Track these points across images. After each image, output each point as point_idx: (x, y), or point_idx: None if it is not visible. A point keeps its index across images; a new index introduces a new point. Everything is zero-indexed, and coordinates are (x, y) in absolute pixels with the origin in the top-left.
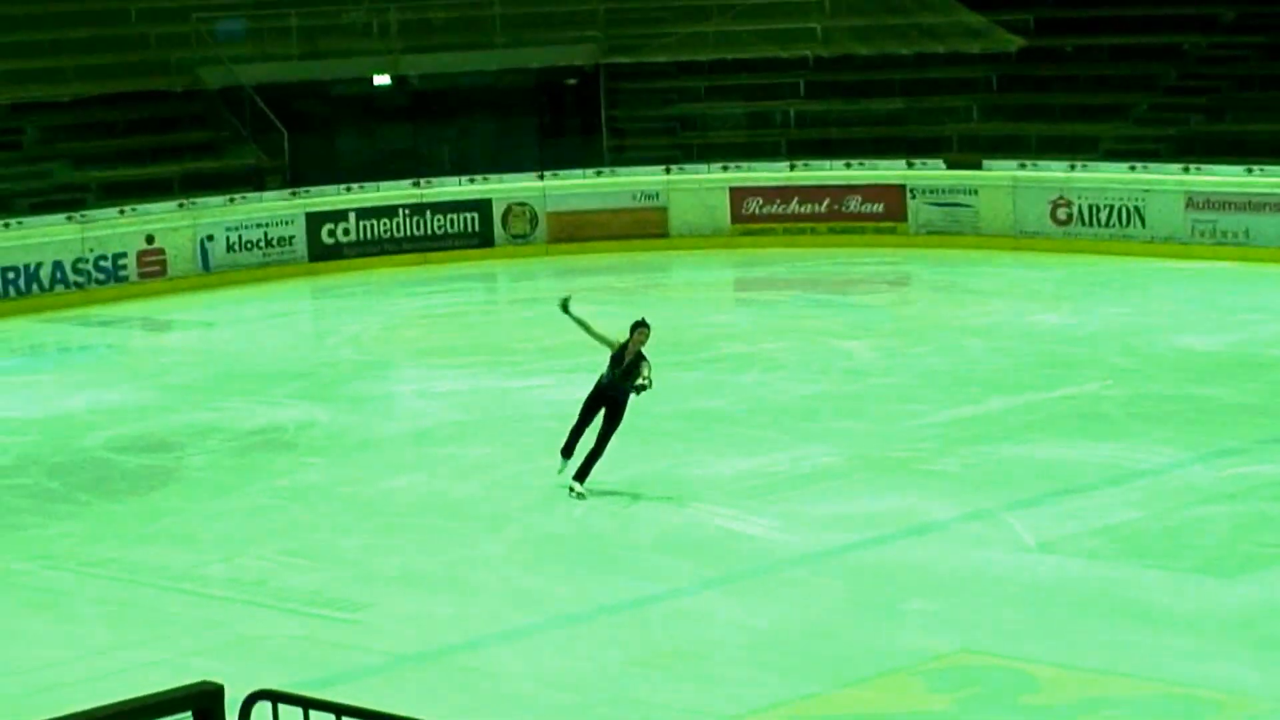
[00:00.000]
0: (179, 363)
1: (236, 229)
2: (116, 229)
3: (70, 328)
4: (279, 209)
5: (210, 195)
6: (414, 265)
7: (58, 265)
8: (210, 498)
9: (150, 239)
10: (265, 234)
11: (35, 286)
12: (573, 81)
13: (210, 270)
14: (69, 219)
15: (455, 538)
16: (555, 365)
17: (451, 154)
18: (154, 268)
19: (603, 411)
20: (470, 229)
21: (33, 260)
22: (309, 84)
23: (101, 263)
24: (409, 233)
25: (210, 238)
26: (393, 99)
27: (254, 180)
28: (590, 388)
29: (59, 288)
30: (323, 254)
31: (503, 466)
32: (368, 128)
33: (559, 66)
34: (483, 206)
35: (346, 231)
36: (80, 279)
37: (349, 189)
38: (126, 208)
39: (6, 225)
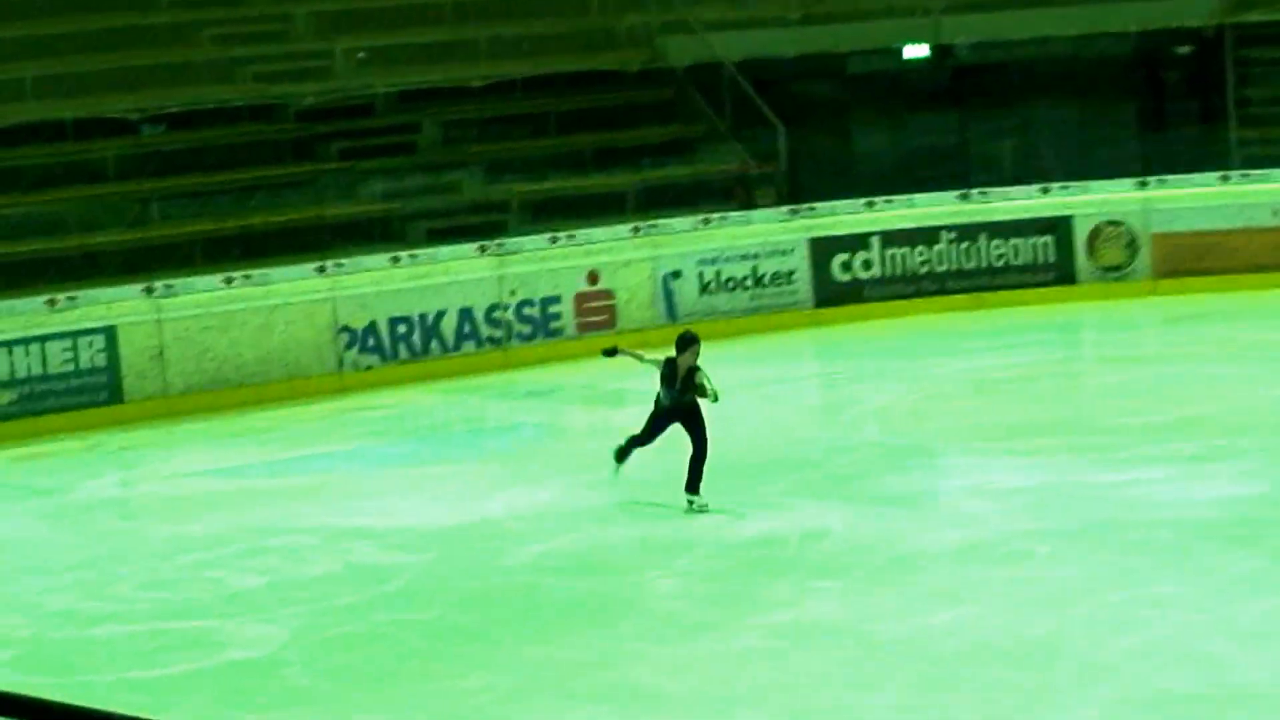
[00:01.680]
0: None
1: (713, 262)
2: (547, 263)
3: (485, 401)
4: (773, 234)
5: (676, 215)
6: (963, 310)
7: (465, 314)
8: (679, 639)
9: (594, 277)
10: (754, 269)
11: (435, 344)
12: (1185, 50)
13: (677, 319)
14: (481, 250)
15: (1027, 697)
16: (1171, 450)
17: (1014, 154)
18: (599, 316)
19: (680, 427)
20: (1042, 259)
21: (431, 308)
22: (813, 59)
23: (527, 310)
24: (955, 265)
25: (676, 274)
26: (930, 78)
27: (738, 194)
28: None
29: (468, 345)
30: (834, 295)
31: (1096, 594)
32: (895, 118)
33: (1166, 30)
34: (1060, 227)
35: (867, 264)
36: (497, 333)
37: (870, 204)
38: (560, 234)
39: (396, 260)
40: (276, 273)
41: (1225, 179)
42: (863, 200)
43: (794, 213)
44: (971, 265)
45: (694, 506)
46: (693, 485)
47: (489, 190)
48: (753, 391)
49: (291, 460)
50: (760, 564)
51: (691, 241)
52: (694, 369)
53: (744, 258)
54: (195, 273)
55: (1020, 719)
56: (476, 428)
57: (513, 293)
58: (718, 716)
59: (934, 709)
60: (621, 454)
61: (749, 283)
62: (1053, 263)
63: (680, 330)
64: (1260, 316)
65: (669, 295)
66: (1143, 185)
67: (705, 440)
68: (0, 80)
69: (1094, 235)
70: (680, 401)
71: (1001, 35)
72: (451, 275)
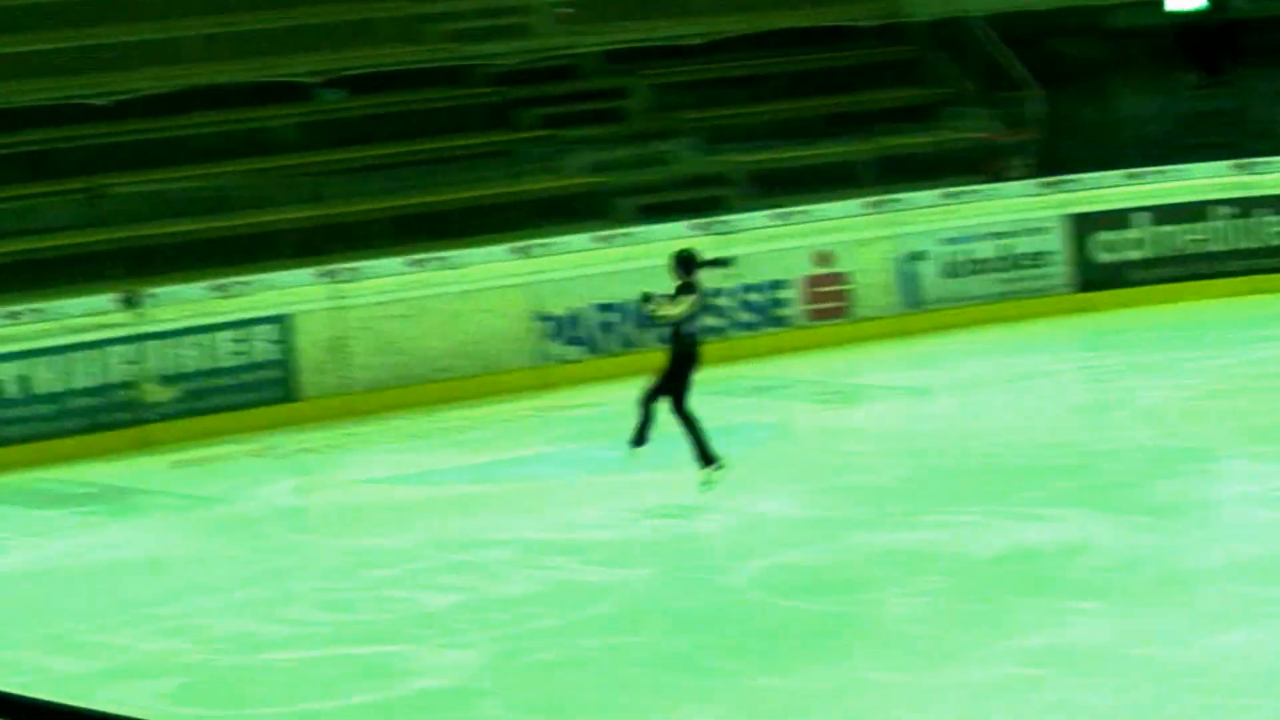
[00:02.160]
0: (871, 453)
1: (960, 242)
2: (772, 244)
3: (702, 399)
4: (1026, 210)
5: (917, 189)
6: (1241, 295)
7: None
8: (920, 667)
9: (825, 258)
10: (1005, 249)
11: (647, 334)
12: None
13: (919, 306)
14: (697, 228)
15: None
16: None
17: None
18: (830, 303)
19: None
20: None
21: (636, 293)
22: (1070, 13)
23: (751, 296)
24: (1231, 244)
25: (917, 255)
26: (1203, 33)
27: (987, 165)
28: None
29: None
30: (1097, 279)
31: None
32: (1163, 79)
33: None
34: None
35: (1137, 243)
36: (719, 321)
37: (1136, 176)
38: (787, 210)
39: (602, 240)
40: (469, 254)
41: None
42: (1127, 172)
43: (1050, 186)
44: (1250, 244)
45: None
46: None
47: (706, 162)
48: (1005, 387)
49: (486, 465)
50: (1013, 581)
51: (934, 218)
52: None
53: (994, 236)
54: (379, 254)
55: None
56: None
57: (736, 277)
58: None
59: None
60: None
61: (999, 265)
62: None
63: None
64: None
65: (909, 279)
66: None
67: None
68: (163, 42)
69: None
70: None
71: None
72: (664, 257)
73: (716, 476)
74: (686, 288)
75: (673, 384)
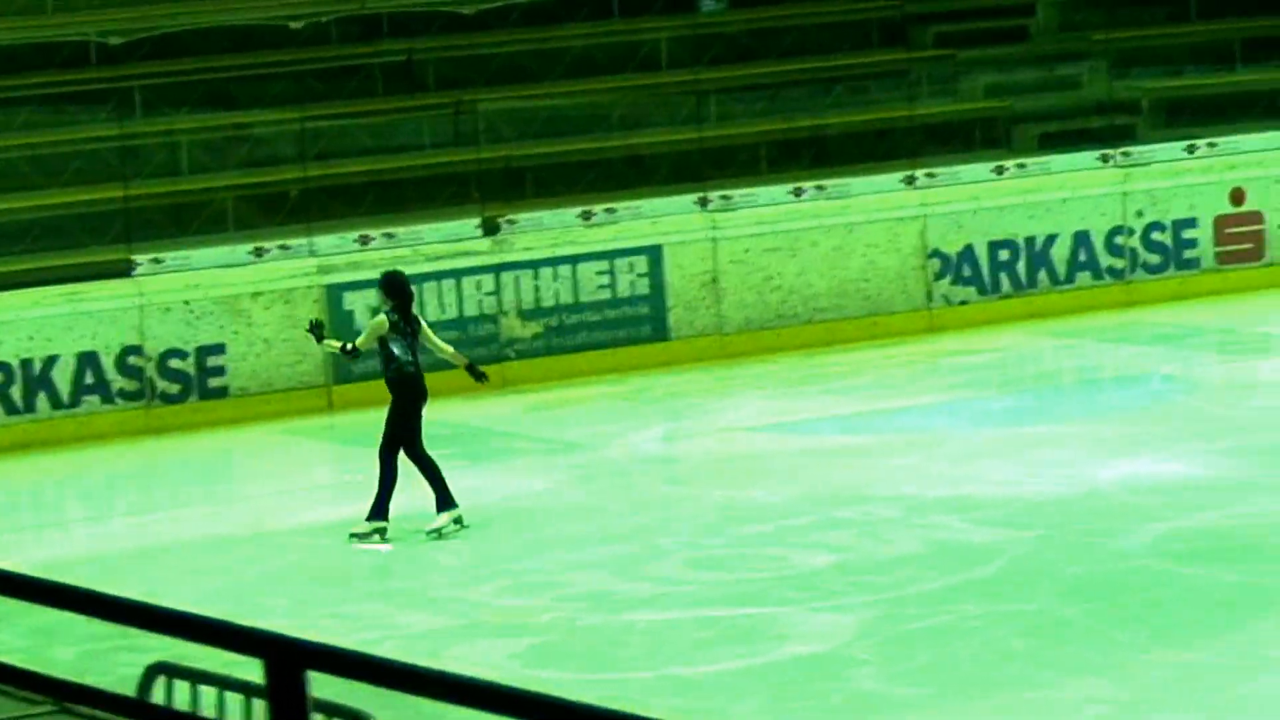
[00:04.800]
0: (1275, 409)
1: None
2: (1182, 178)
3: (1102, 346)
4: None
5: None
6: None
7: (1082, 239)
8: None
9: (1238, 196)
10: None
11: (1044, 275)
12: None
13: None
14: (1103, 160)
15: None
16: None
17: None
18: (1244, 244)
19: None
20: None
21: (1041, 230)
22: None
23: (1156, 235)
24: None
25: None
26: None
27: None
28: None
29: (1083, 277)
30: None
31: None
32: None
33: None
34: None
35: None
36: (1120, 263)
37: None
38: (1200, 142)
39: (1000, 171)
40: (856, 184)
41: None
42: None
43: None
44: None
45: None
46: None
47: (1115, 87)
48: None
49: (869, 415)
50: None
51: None
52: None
53: None
54: (759, 182)
55: None
56: (1091, 379)
57: (1140, 214)
58: None
59: None
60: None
61: None
62: None
63: None
64: None
65: None
66: None
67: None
68: None
69: None
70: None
71: None
72: (1066, 190)
73: (452, 528)
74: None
75: (401, 428)
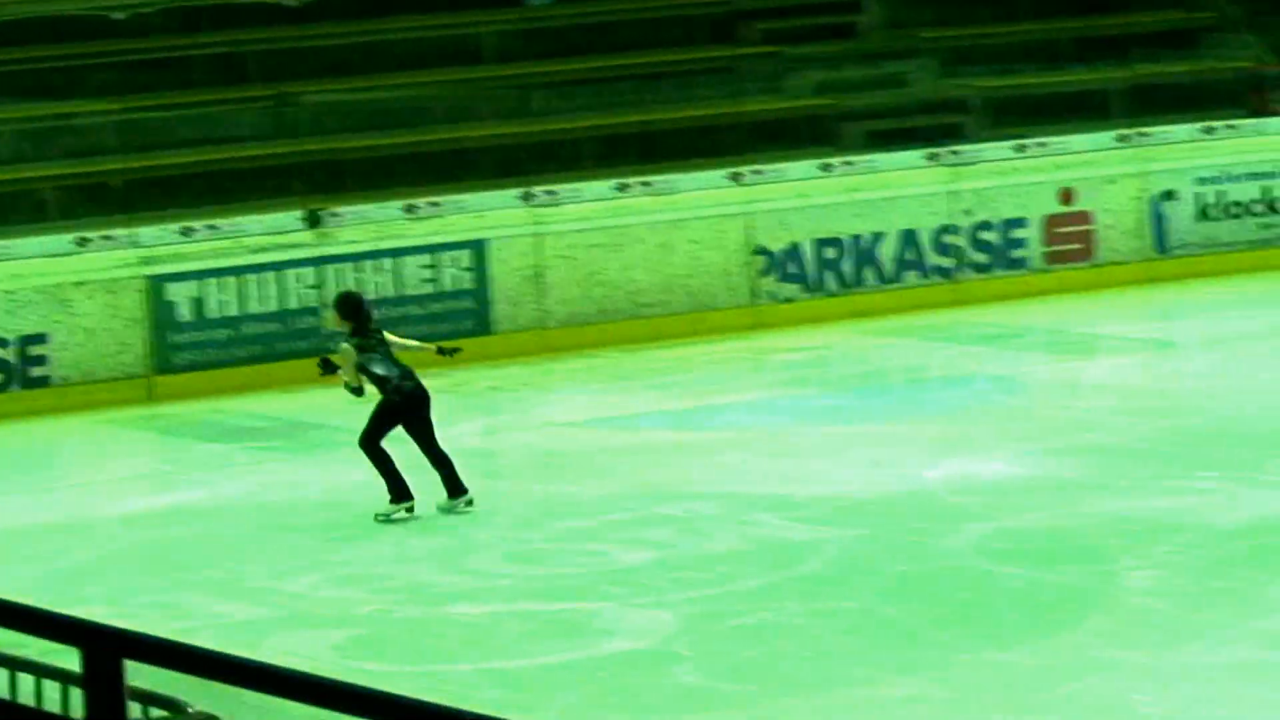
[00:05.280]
0: (1109, 410)
1: (1215, 182)
2: (1011, 177)
3: (928, 346)
4: None
5: (1172, 121)
6: None
7: (909, 238)
8: (1157, 646)
9: (1067, 196)
10: (1266, 191)
11: (870, 273)
12: None
13: (1167, 251)
14: (931, 158)
15: None
16: None
17: None
18: (1073, 245)
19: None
20: None
21: (867, 228)
22: None
23: (984, 234)
24: None
25: (1169, 195)
26: None
27: (1251, 98)
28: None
29: (910, 276)
30: None
31: None
32: None
33: None
34: None
35: None
36: (947, 262)
37: None
38: (1029, 142)
39: (826, 168)
40: (682, 180)
41: None
42: None
43: None
44: None
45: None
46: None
47: (943, 85)
48: (1259, 343)
49: (692, 411)
50: (1261, 557)
51: (1190, 155)
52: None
53: (1254, 177)
54: (584, 177)
55: None
56: (917, 378)
57: (968, 212)
58: None
59: None
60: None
61: (1259, 209)
62: None
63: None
64: None
65: (1159, 221)
66: None
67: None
68: None
69: None
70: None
71: None
72: (894, 189)
73: (404, 515)
74: (358, 336)
75: (373, 422)
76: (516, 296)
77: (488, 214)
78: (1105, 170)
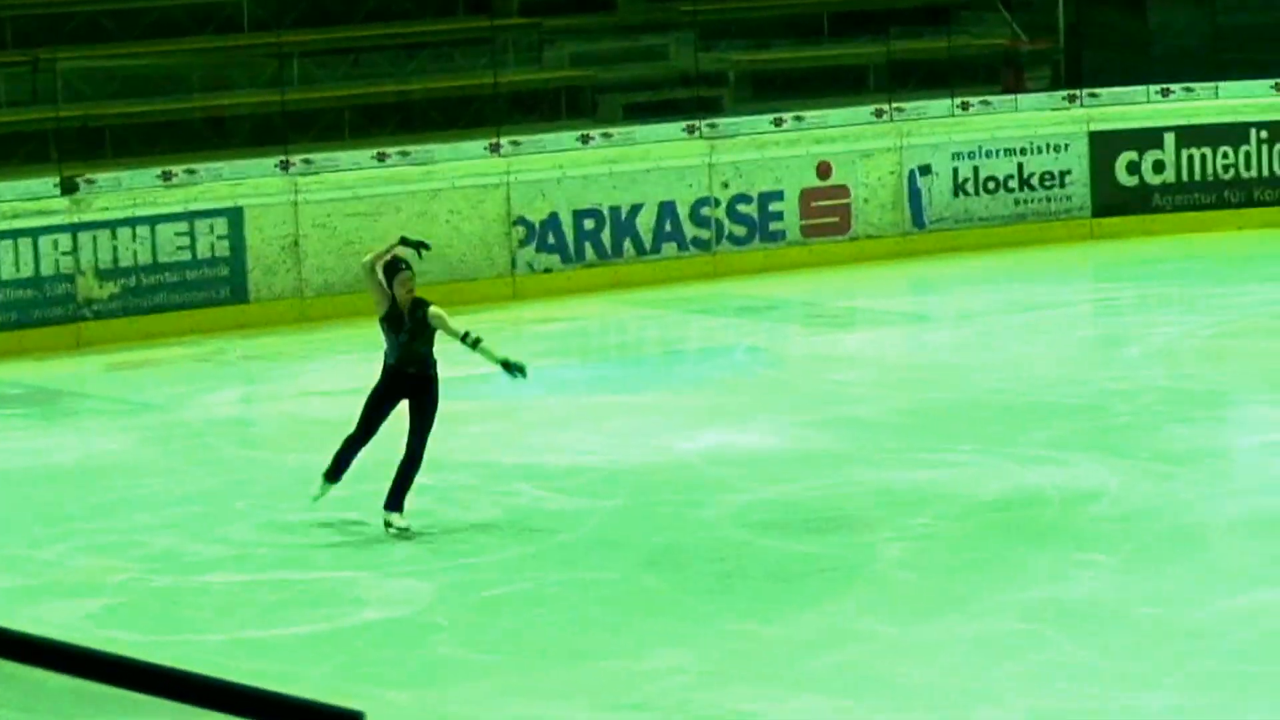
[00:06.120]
0: (865, 383)
1: (971, 157)
2: (768, 151)
3: (686, 317)
4: (1045, 125)
5: (928, 97)
6: (1272, 227)
7: (667, 210)
8: (913, 617)
9: (824, 169)
10: (1020, 168)
11: (629, 245)
12: None
13: (925, 226)
14: (689, 131)
15: None
16: None
17: None
18: (829, 218)
19: (404, 406)
20: None
21: (625, 200)
22: None
23: (740, 208)
24: (1266, 171)
25: (926, 170)
26: None
27: (1005, 75)
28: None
29: (668, 248)
30: (1117, 203)
31: None
32: None
33: None
34: None
35: (1159, 166)
36: (705, 234)
37: (1166, 93)
38: (786, 116)
39: (585, 140)
40: (440, 150)
41: None
42: (1157, 87)
43: (1072, 100)
44: None
45: (392, 530)
46: (395, 500)
47: (701, 59)
48: (1012, 317)
49: (449, 381)
50: (1015, 529)
51: (946, 130)
52: (422, 304)
53: (1009, 153)
54: (342, 147)
55: None
56: (675, 349)
57: (725, 185)
58: (957, 712)
59: (1223, 713)
60: (334, 472)
61: (1014, 184)
62: None
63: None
64: None
65: (915, 196)
66: None
67: (424, 439)
68: None
69: None
70: (417, 358)
71: None
72: (652, 161)
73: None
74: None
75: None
76: (273, 265)
77: (245, 182)
78: (862, 145)
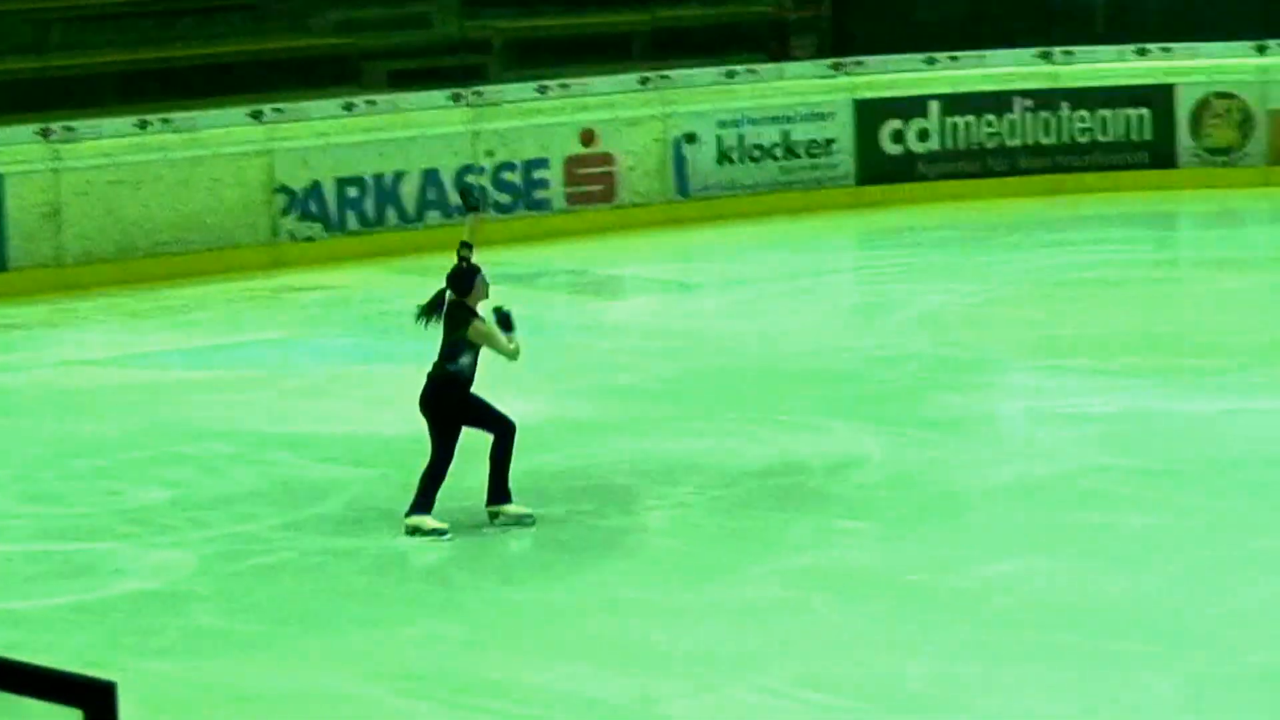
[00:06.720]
0: (630, 351)
1: (736, 125)
2: (532, 119)
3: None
4: (810, 93)
5: (693, 65)
6: (1037, 195)
7: (431, 178)
8: (677, 585)
9: (589, 137)
10: (786, 135)
11: (392, 213)
12: None
13: (690, 194)
14: (454, 99)
15: (1095, 667)
16: None
17: (1107, 6)
18: (594, 186)
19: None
20: (1135, 136)
21: (389, 168)
22: None
23: (506, 176)
24: (1030, 139)
25: (691, 138)
26: None
27: (770, 43)
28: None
29: (432, 216)
30: (882, 171)
31: (1184, 548)
32: None
33: None
34: (1157, 98)
35: (924, 134)
36: (471, 201)
37: (931, 61)
38: (551, 83)
39: (348, 107)
40: (203, 117)
41: None
42: (922, 56)
43: (837, 68)
44: (1050, 140)
45: (498, 520)
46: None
47: (466, 26)
48: (777, 285)
49: (210, 349)
50: (779, 497)
51: (711, 98)
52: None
53: (774, 121)
54: (103, 114)
55: (1086, 694)
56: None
57: (490, 153)
58: (721, 679)
59: (983, 678)
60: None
61: (779, 152)
62: (1148, 141)
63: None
64: None
65: (681, 163)
66: (1261, 50)
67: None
68: None
69: (1200, 110)
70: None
71: None
72: (416, 129)
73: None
74: None
75: None
76: (33, 233)
77: (3, 149)
78: (627, 113)
